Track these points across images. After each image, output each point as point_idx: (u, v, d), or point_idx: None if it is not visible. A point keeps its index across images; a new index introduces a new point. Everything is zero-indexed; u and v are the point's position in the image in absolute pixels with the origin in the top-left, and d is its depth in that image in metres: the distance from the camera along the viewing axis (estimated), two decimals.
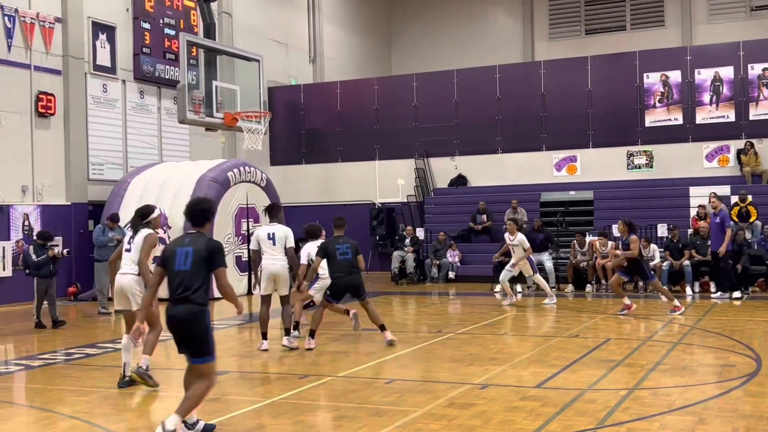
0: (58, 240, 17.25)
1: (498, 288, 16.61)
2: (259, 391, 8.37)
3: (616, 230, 16.08)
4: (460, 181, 24.19)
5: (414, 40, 32.51)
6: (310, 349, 10.57)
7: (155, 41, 21.63)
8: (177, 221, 17.66)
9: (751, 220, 18.61)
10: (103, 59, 20.32)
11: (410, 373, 9.37)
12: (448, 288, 20.02)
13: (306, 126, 26.21)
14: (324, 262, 10.98)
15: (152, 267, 8.54)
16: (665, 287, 15.62)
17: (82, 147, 19.64)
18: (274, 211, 11.01)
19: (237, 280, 18.39)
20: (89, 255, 17.48)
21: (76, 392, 8.44)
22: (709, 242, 16.61)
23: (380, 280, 21.64)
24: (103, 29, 20.28)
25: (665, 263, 17.49)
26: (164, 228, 16.88)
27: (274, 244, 10.65)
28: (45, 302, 13.76)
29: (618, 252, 14.39)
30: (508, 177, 23.42)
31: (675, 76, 22.35)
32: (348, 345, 11.30)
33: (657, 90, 22.48)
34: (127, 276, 8.64)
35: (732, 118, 21.78)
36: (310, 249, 11.58)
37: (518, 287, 17.67)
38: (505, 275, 15.76)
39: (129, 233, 8.94)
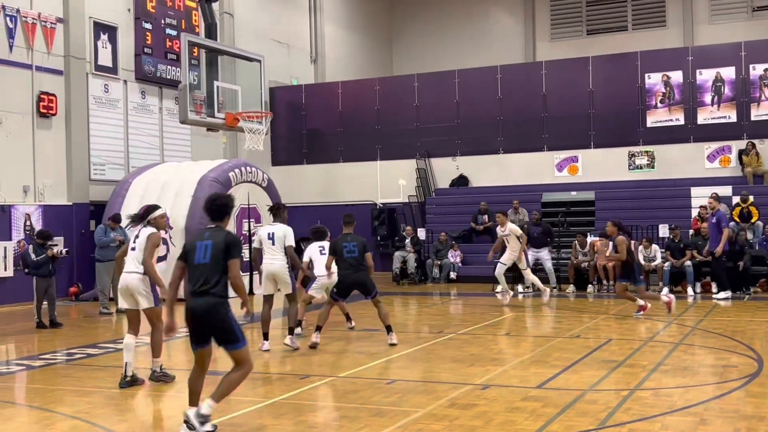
0: (59, 240, 17.25)
1: (499, 288, 16.61)
2: (260, 392, 8.37)
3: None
4: (461, 181, 24.18)
5: (415, 41, 32.51)
6: (315, 343, 10.65)
7: (157, 41, 21.64)
8: (178, 221, 17.70)
9: (752, 221, 18.61)
10: (105, 59, 20.33)
11: (411, 373, 9.37)
12: (450, 288, 20.02)
13: (307, 126, 26.21)
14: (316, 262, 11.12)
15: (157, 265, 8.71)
16: (651, 293, 14.84)
17: (84, 147, 19.65)
18: (278, 211, 11.08)
19: None
20: (90, 255, 17.50)
21: (77, 392, 8.45)
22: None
23: (381, 281, 21.56)
24: (104, 29, 20.28)
25: (666, 264, 17.49)
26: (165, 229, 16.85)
27: (273, 243, 10.72)
28: (45, 302, 13.77)
29: (608, 253, 14.16)
30: (510, 177, 23.41)
31: (676, 76, 22.33)
32: (349, 345, 11.30)
33: (658, 90, 22.47)
34: (132, 275, 8.68)
35: (733, 118, 21.77)
36: (312, 250, 11.79)
37: (519, 288, 17.68)
38: (500, 269, 15.79)
39: (134, 232, 8.99)
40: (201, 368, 6.55)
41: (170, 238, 16.86)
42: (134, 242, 8.79)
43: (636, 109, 22.63)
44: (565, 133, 23.23)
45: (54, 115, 18.86)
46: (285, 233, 10.73)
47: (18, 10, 18.15)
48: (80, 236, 19.11)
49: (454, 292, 19.17)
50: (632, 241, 17.93)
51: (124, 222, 17.05)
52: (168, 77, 21.88)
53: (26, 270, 14.07)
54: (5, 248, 17.30)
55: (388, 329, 10.94)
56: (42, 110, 18.55)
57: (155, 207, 9.08)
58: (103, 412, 7.63)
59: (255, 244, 11.19)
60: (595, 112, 23.09)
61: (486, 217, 21.84)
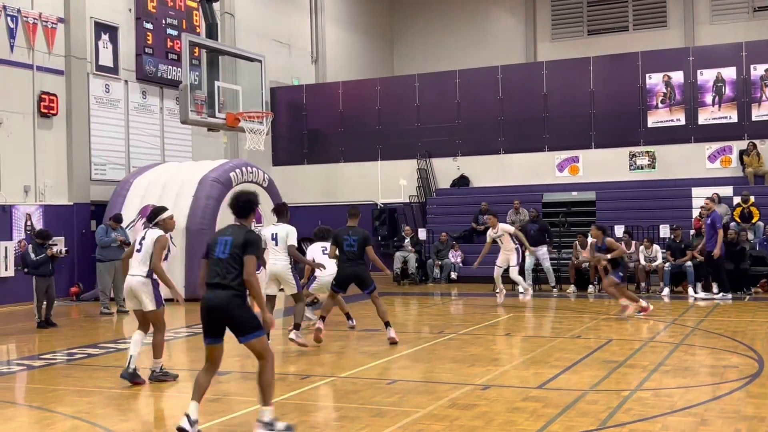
0: (60, 240, 17.25)
1: (499, 289, 16.63)
2: None
3: (616, 233, 16.12)
4: (462, 181, 24.18)
5: (416, 41, 32.51)
6: (319, 329, 10.80)
7: (158, 41, 21.65)
8: (179, 221, 17.62)
9: (753, 221, 18.61)
10: (106, 59, 20.33)
11: (412, 373, 9.37)
12: (450, 288, 20.02)
13: (308, 126, 26.21)
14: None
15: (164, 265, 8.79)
16: (631, 293, 14.63)
17: (85, 147, 19.65)
18: (281, 211, 11.11)
19: None
20: (91, 255, 17.48)
21: (77, 392, 8.45)
22: None
23: (382, 281, 21.55)
24: (105, 29, 20.29)
25: (667, 264, 17.48)
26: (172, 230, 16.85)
27: (276, 244, 10.79)
28: (45, 301, 13.78)
29: (600, 255, 14.10)
30: (511, 177, 23.42)
31: (677, 76, 22.33)
32: (350, 345, 11.30)
33: (659, 91, 22.47)
34: (135, 278, 8.69)
35: (734, 118, 21.77)
36: (314, 250, 11.99)
37: (519, 288, 17.65)
38: (497, 271, 16.01)
39: (140, 233, 9.01)
40: (212, 365, 6.57)
41: (171, 238, 16.82)
42: (140, 244, 8.79)
43: (637, 110, 22.63)
44: (566, 134, 23.23)
45: (55, 115, 18.86)
46: (287, 232, 10.77)
47: (19, 10, 18.16)
48: (81, 236, 19.11)
49: (455, 293, 19.16)
50: (633, 242, 18.07)
51: (126, 222, 17.14)
52: (169, 77, 21.88)
53: (26, 270, 14.08)
54: (6, 248, 17.30)
55: (387, 324, 10.98)
56: (43, 110, 18.55)
57: (163, 209, 9.11)
58: (104, 412, 7.64)
59: None
60: (596, 113, 23.09)
61: (487, 217, 21.83)
